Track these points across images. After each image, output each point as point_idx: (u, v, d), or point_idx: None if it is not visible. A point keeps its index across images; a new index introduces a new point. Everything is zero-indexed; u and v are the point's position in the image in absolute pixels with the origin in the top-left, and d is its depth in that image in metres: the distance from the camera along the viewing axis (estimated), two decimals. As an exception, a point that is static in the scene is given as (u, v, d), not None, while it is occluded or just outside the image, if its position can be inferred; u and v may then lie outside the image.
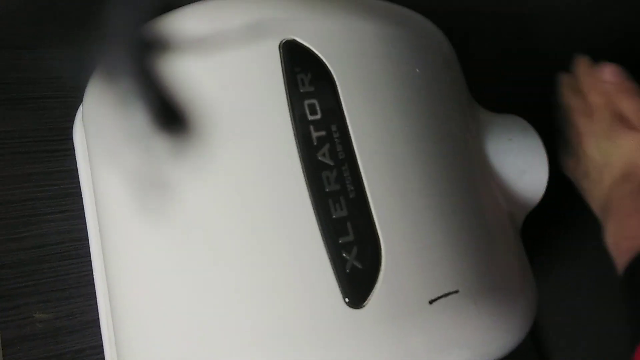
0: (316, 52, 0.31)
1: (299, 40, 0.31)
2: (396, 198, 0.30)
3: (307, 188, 0.29)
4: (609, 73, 0.43)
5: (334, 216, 0.29)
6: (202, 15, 0.32)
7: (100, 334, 0.34)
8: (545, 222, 0.43)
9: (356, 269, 0.29)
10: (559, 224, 0.50)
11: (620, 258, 0.38)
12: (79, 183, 0.37)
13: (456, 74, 0.39)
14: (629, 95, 0.41)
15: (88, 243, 0.36)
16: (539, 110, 0.41)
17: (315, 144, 0.30)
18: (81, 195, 0.36)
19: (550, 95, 0.46)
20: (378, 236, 0.29)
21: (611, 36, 0.57)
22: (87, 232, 0.36)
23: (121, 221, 0.32)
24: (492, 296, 0.31)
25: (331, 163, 0.30)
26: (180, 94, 0.26)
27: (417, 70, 0.34)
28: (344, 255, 0.29)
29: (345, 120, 0.31)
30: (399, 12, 0.36)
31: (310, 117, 0.30)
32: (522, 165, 0.38)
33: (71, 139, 0.38)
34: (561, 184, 0.43)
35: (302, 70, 0.31)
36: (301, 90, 0.31)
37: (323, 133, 0.30)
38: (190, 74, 0.30)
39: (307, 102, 0.30)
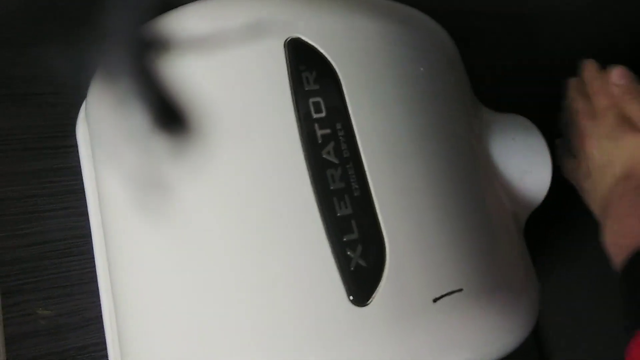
0: (321, 50, 0.31)
1: (304, 38, 0.31)
2: (400, 196, 0.30)
3: (312, 186, 0.29)
4: (616, 75, 0.43)
5: (338, 214, 0.29)
6: (205, 14, 0.32)
7: (103, 331, 0.35)
8: (546, 223, 0.43)
9: (360, 267, 0.29)
10: (561, 224, 0.50)
11: (618, 256, 0.38)
12: (82, 180, 0.37)
13: (460, 73, 0.39)
14: (635, 98, 0.41)
15: (91, 240, 0.36)
16: (540, 110, 0.42)
17: (320, 142, 0.30)
18: (84, 192, 0.36)
19: (551, 95, 0.47)
20: (382, 234, 0.29)
21: (611, 36, 0.57)
22: (89, 229, 0.36)
23: (125, 219, 0.32)
24: (496, 295, 0.31)
25: (336, 161, 0.30)
26: (180, 94, 0.26)
27: (422, 69, 0.34)
28: (349, 253, 0.29)
29: (350, 119, 0.31)
30: (403, 11, 0.36)
31: (315, 115, 0.30)
32: (525, 165, 0.38)
33: (74, 135, 0.38)
34: (563, 185, 0.43)
35: (307, 69, 0.31)
36: (306, 89, 0.31)
37: (328, 131, 0.30)
38: (194, 72, 0.30)
39: (312, 100, 0.31)
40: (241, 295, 0.28)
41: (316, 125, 0.30)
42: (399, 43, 0.34)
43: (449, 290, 0.29)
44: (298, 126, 0.30)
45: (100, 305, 0.35)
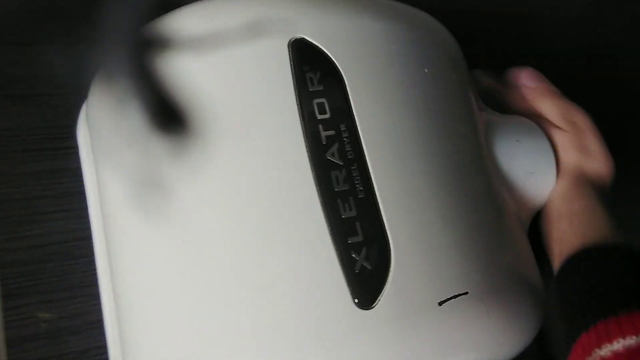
0: (325, 50, 0.31)
1: (308, 38, 0.31)
2: (405, 198, 0.30)
3: (316, 188, 0.29)
4: (526, 78, 0.42)
5: (343, 216, 0.29)
6: (207, 14, 0.32)
7: (105, 334, 0.34)
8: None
9: (365, 269, 0.28)
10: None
11: (553, 262, 0.37)
12: (83, 182, 0.36)
13: (463, 73, 0.39)
14: (548, 97, 0.41)
15: (92, 242, 0.35)
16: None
17: (324, 143, 0.30)
18: (85, 194, 0.36)
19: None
20: (387, 236, 0.29)
21: (611, 36, 0.57)
22: (91, 232, 0.36)
23: (126, 220, 0.32)
24: (502, 298, 0.31)
25: (340, 163, 0.30)
26: (179, 94, 0.26)
27: (426, 70, 0.34)
28: (353, 255, 0.29)
29: (355, 120, 0.31)
30: (406, 11, 0.36)
31: (319, 116, 0.30)
32: (529, 166, 0.38)
33: (75, 137, 0.38)
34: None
35: (311, 69, 0.31)
36: (310, 89, 0.30)
37: (332, 132, 0.30)
38: (197, 72, 0.30)
39: (316, 101, 0.30)
40: (245, 298, 0.28)
41: (320, 127, 0.30)
42: (403, 43, 0.34)
43: (455, 293, 0.29)
44: (302, 127, 0.30)
45: (101, 308, 0.35)
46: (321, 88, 0.31)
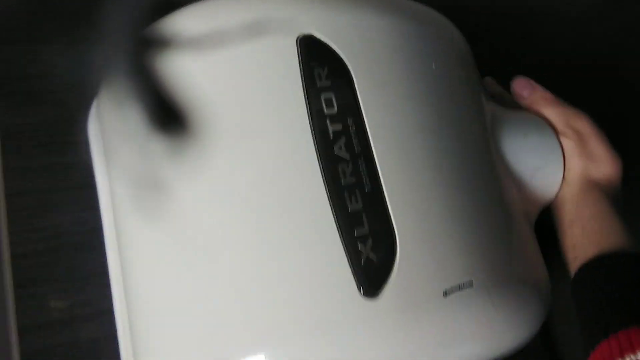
0: (333, 46, 0.32)
1: (316, 35, 0.32)
2: (411, 191, 0.31)
3: (324, 181, 0.30)
4: (518, 87, 0.42)
5: (349, 209, 0.30)
6: (212, 13, 0.32)
7: (115, 323, 0.35)
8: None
9: (371, 260, 0.29)
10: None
11: (569, 267, 0.38)
12: (94, 175, 0.37)
13: (471, 69, 0.39)
14: (546, 106, 0.41)
15: (103, 234, 0.36)
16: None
17: (331, 137, 0.30)
18: (96, 187, 0.37)
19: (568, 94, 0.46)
20: (393, 229, 0.30)
21: (611, 36, 0.58)
22: (102, 223, 0.36)
23: (135, 213, 0.32)
24: (506, 289, 0.32)
25: (347, 157, 0.30)
26: (180, 93, 0.27)
27: (433, 66, 0.34)
28: (359, 247, 0.29)
29: (362, 115, 0.31)
30: (414, 7, 0.37)
31: (326, 111, 0.31)
32: (537, 162, 0.38)
33: (86, 132, 0.38)
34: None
35: (319, 65, 0.31)
36: (318, 85, 0.31)
37: (339, 127, 0.31)
38: (208, 67, 0.31)
39: (324, 96, 0.31)
40: (254, 289, 0.29)
41: (328, 121, 0.31)
42: (410, 39, 0.34)
43: (459, 284, 0.30)
44: (310, 122, 0.30)
45: (112, 297, 0.35)
46: (329, 84, 0.31)
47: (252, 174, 0.29)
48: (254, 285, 0.29)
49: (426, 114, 0.33)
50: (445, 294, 0.29)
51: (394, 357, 0.29)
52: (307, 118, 0.30)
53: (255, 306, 0.28)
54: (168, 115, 0.27)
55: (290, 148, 0.30)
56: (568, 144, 0.39)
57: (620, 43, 0.58)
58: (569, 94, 0.43)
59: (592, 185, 0.39)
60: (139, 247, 0.32)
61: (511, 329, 0.32)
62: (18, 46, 0.40)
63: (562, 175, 0.39)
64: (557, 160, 0.39)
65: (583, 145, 0.39)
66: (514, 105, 0.43)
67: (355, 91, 0.31)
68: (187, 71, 0.30)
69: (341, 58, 0.32)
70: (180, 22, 0.32)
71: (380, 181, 0.30)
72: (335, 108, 0.31)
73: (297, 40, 0.31)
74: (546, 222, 0.40)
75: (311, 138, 0.30)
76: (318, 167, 0.30)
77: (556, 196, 0.40)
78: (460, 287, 0.30)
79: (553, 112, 0.41)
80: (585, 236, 0.37)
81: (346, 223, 0.29)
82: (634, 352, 0.30)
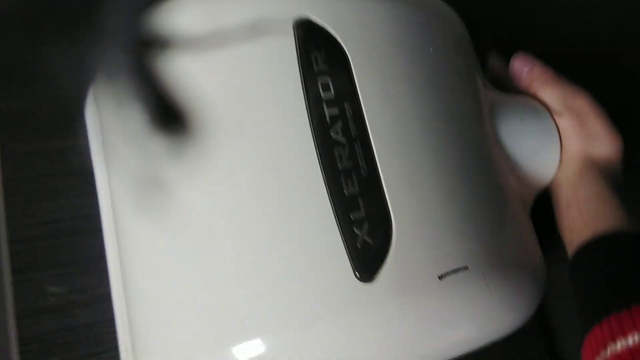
0: (330, 30, 0.31)
1: (313, 18, 0.31)
2: (408, 175, 0.31)
3: (320, 165, 0.30)
4: (519, 64, 0.41)
5: (346, 193, 0.30)
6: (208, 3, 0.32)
7: (113, 308, 0.35)
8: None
9: (367, 244, 0.29)
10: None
11: (567, 250, 0.37)
12: (92, 160, 0.37)
13: (469, 54, 0.39)
14: (545, 84, 0.40)
15: (100, 219, 0.36)
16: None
17: (328, 121, 0.30)
18: (94, 172, 0.37)
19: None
20: (389, 212, 0.30)
21: (614, 23, 0.57)
22: (99, 209, 0.36)
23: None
24: (502, 273, 0.32)
25: (344, 140, 0.30)
26: (178, 91, 0.27)
27: (431, 50, 0.34)
28: (355, 230, 0.29)
29: (359, 98, 0.31)
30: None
31: (323, 95, 0.31)
32: (533, 146, 0.38)
33: (84, 116, 0.38)
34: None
35: (316, 49, 0.31)
36: (315, 69, 0.31)
37: (336, 111, 0.31)
38: (202, 56, 0.30)
39: (320, 80, 0.31)
40: (250, 274, 0.28)
41: (324, 105, 0.30)
42: (408, 23, 0.34)
43: (455, 267, 0.30)
44: (306, 106, 0.30)
45: (109, 282, 0.35)
46: (326, 67, 0.31)
47: (247, 157, 0.29)
48: (250, 270, 0.29)
49: (423, 98, 0.33)
50: (441, 277, 0.29)
51: (390, 341, 0.29)
52: (304, 102, 0.30)
53: (251, 291, 0.28)
54: (169, 112, 0.27)
55: (286, 132, 0.30)
56: (566, 124, 0.39)
57: (623, 31, 0.58)
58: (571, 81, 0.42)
59: (591, 166, 0.38)
60: (137, 239, 0.32)
61: (507, 312, 0.32)
62: (14, 29, 0.40)
63: (558, 160, 0.39)
64: (553, 145, 0.39)
65: (582, 125, 0.39)
66: (513, 87, 0.42)
67: (353, 75, 0.31)
68: (183, 63, 0.29)
69: (338, 42, 0.31)
70: (176, 10, 0.31)
71: (376, 165, 0.30)
72: (333, 92, 0.31)
73: (294, 24, 0.31)
74: (542, 206, 0.40)
75: (308, 122, 0.30)
76: (314, 151, 0.30)
77: (553, 179, 0.39)
78: (455, 271, 0.30)
79: (552, 91, 0.40)
80: (582, 218, 0.36)
81: (342, 207, 0.29)
82: (624, 335, 0.29)
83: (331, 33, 0.31)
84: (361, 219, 0.29)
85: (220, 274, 0.29)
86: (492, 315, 0.31)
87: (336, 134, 0.30)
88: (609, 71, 0.54)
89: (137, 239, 0.32)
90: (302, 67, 0.31)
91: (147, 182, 0.28)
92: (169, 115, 0.27)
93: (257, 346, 0.28)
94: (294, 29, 0.31)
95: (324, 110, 0.30)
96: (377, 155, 0.30)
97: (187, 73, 0.28)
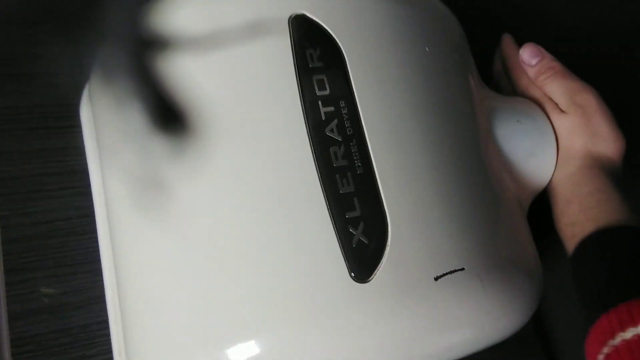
0: (326, 27, 0.31)
1: (308, 15, 0.31)
2: (403, 174, 0.30)
3: (315, 163, 0.29)
4: (527, 55, 0.41)
5: (341, 191, 0.29)
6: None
7: (106, 309, 0.35)
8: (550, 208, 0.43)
9: (362, 243, 0.29)
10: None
11: (567, 245, 0.37)
12: (86, 160, 0.37)
13: (465, 53, 0.39)
14: (553, 79, 0.40)
15: (95, 220, 0.36)
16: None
17: (323, 119, 0.30)
18: (88, 172, 0.36)
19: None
20: (385, 212, 0.29)
21: (617, 15, 0.57)
22: (93, 209, 0.36)
23: (127, 200, 0.32)
24: (498, 275, 0.31)
25: (339, 138, 0.30)
26: (178, 90, 0.26)
27: (427, 49, 0.34)
28: (351, 230, 0.29)
29: (354, 96, 0.31)
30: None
31: (318, 93, 0.30)
32: (530, 148, 0.38)
33: (78, 116, 0.38)
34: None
35: (312, 46, 0.31)
36: (310, 66, 0.31)
37: (331, 109, 0.30)
38: (199, 57, 0.30)
39: (315, 77, 0.30)
40: (243, 272, 0.28)
41: (320, 103, 0.30)
42: (404, 22, 0.34)
43: (451, 268, 0.29)
44: (301, 104, 0.30)
45: (103, 284, 0.35)
46: (321, 65, 0.31)
47: (242, 157, 0.29)
48: (245, 269, 0.28)
49: (418, 96, 0.32)
50: (437, 278, 0.29)
51: (385, 342, 0.28)
52: (299, 99, 0.30)
53: (246, 291, 0.28)
54: (168, 112, 0.27)
55: (281, 129, 0.30)
56: (571, 119, 0.39)
57: (623, 30, 0.58)
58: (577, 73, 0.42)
59: (593, 163, 0.38)
60: (132, 239, 0.32)
61: (503, 315, 0.31)
62: (9, 27, 0.40)
63: (555, 162, 0.39)
64: (550, 146, 0.39)
65: (586, 122, 0.38)
66: (514, 81, 0.42)
67: (348, 73, 0.31)
68: (180, 62, 0.29)
69: (334, 39, 0.31)
70: (173, 9, 0.31)
71: (372, 164, 0.30)
72: (328, 90, 0.31)
73: (289, 20, 0.31)
74: (538, 209, 0.40)
75: (303, 120, 0.30)
76: (310, 149, 0.29)
77: (549, 182, 0.39)
78: (452, 272, 0.29)
79: (559, 85, 0.40)
80: (584, 212, 0.36)
81: (337, 206, 0.29)
82: (634, 324, 0.29)
83: (327, 30, 0.31)
84: (356, 218, 0.29)
85: (215, 274, 0.29)
86: (488, 319, 0.31)
87: (331, 132, 0.30)
88: (609, 71, 0.53)
89: (131, 239, 0.32)
90: (297, 65, 0.30)
91: (145, 182, 0.28)
92: (168, 115, 0.27)
93: (251, 347, 0.27)
94: (289, 25, 0.31)
95: (319, 109, 0.30)
96: (373, 153, 0.30)
97: (184, 72, 0.28)
